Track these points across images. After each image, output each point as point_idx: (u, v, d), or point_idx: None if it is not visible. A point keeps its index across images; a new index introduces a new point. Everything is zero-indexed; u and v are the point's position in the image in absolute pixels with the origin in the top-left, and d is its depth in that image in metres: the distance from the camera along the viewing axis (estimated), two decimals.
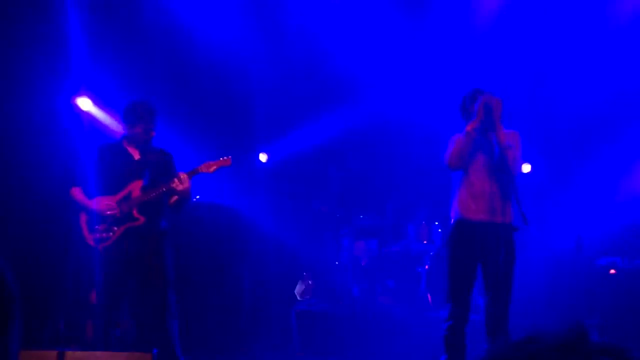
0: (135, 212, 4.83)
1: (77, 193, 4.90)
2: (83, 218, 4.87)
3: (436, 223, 7.25)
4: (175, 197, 4.92)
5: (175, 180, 4.77)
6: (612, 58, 7.38)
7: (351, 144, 8.17)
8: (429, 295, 6.90)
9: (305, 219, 7.83)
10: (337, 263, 7.57)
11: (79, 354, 4.21)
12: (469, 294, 4.54)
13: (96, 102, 6.80)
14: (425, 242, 7.26)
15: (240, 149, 7.69)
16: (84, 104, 6.70)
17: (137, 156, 4.96)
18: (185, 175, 4.79)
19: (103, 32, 6.76)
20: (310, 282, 6.35)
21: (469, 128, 4.42)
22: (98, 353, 4.39)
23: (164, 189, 4.84)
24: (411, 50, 7.79)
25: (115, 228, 4.83)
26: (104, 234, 4.82)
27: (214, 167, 4.92)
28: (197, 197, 6.80)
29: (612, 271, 6.21)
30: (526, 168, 7.06)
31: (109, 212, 4.82)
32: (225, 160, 4.97)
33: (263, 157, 7.75)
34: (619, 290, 6.14)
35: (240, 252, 7.59)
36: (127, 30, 7.05)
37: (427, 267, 7.07)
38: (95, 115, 6.82)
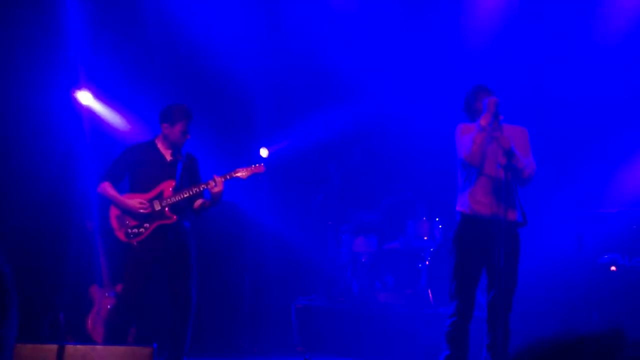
0: (167, 211, 5.00)
1: (107, 187, 5.03)
2: (113, 212, 5.02)
3: (437, 219, 7.23)
4: (200, 200, 5.13)
5: (211, 182, 4.99)
6: (611, 57, 7.36)
7: (352, 140, 8.16)
8: (429, 292, 6.89)
9: (305, 214, 7.82)
10: (336, 259, 7.57)
11: (79, 347, 4.21)
12: (474, 291, 4.52)
13: (97, 96, 6.78)
14: (425, 238, 7.25)
15: (241, 143, 7.68)
16: (84, 97, 6.68)
17: (169, 157, 5.14)
18: (220, 179, 4.98)
19: (104, 25, 6.74)
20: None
21: (483, 122, 4.37)
22: (98, 347, 4.40)
23: (198, 190, 5.06)
24: (410, 46, 7.76)
25: (147, 225, 5.01)
26: (136, 230, 4.95)
27: (248, 173, 5.12)
28: None
29: (613, 268, 6.20)
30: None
31: (141, 210, 4.95)
32: (258, 167, 5.17)
33: (264, 152, 7.74)
34: (619, 288, 6.13)
35: (240, 246, 7.59)
36: (128, 23, 7.03)
37: (427, 263, 7.06)
38: (96, 110, 6.81)
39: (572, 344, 0.85)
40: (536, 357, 0.86)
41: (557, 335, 0.89)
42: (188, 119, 5.07)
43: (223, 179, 5.00)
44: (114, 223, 5.05)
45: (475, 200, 4.48)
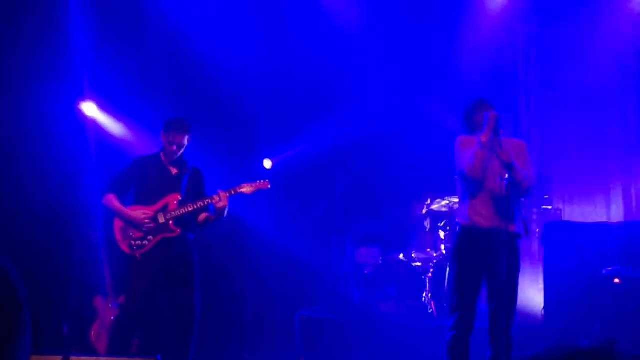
0: (171, 224, 5.04)
1: (112, 199, 5.06)
2: (117, 224, 5.04)
3: (439, 230, 7.23)
4: (205, 214, 5.15)
5: (215, 197, 5.02)
6: (609, 63, 7.39)
7: (354, 151, 8.17)
8: (432, 303, 6.89)
9: (308, 225, 7.83)
10: (339, 270, 7.57)
11: (83, 359, 4.23)
12: (475, 303, 4.51)
13: (101, 107, 6.81)
14: (428, 249, 7.25)
15: (245, 154, 7.70)
16: (89, 109, 6.71)
17: (174, 171, 5.19)
18: (224, 194, 5.01)
19: (108, 36, 6.77)
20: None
21: (483, 139, 4.39)
22: (102, 358, 4.42)
23: (202, 204, 5.08)
24: (412, 56, 7.80)
25: (151, 237, 5.04)
26: (139, 242, 4.95)
27: (253, 189, 5.16)
28: None
29: (617, 281, 6.19)
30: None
31: (146, 222, 4.97)
32: (263, 183, 5.21)
33: (267, 163, 7.76)
34: (623, 300, 6.12)
35: (243, 258, 7.60)
36: (133, 35, 7.07)
37: (429, 274, 7.06)
38: (100, 121, 6.83)
39: (565, 358, 0.88)
40: None
41: (550, 350, 0.92)
42: (179, 131, 5.11)
43: (227, 194, 5.03)
44: (118, 235, 5.08)
45: (477, 212, 4.49)
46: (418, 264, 7.14)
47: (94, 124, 6.77)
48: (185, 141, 5.15)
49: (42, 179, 6.39)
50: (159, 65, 7.24)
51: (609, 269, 6.26)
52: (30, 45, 6.39)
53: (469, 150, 4.46)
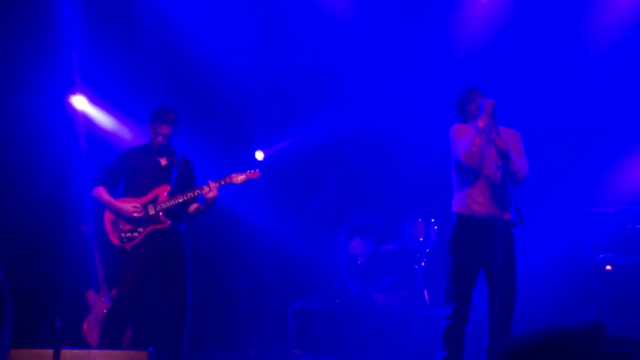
0: (161, 216, 5.01)
1: (101, 192, 5.03)
2: (107, 217, 5.02)
3: (432, 220, 7.23)
4: (195, 205, 5.14)
5: (205, 187, 5.01)
6: (605, 56, 7.39)
7: (347, 142, 8.16)
8: (425, 293, 6.90)
9: (302, 216, 7.82)
10: (333, 261, 7.57)
11: (74, 352, 4.22)
12: (471, 292, 4.50)
13: (92, 100, 6.77)
14: (421, 239, 7.25)
15: (237, 145, 7.68)
16: (79, 102, 6.67)
17: (164, 162, 5.15)
18: (214, 184, 5.00)
19: (99, 29, 6.74)
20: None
21: (481, 124, 4.37)
22: (94, 351, 4.40)
23: (192, 195, 5.06)
24: (406, 50, 7.79)
25: (141, 229, 5.02)
26: (129, 234, 4.94)
27: (242, 179, 5.13)
28: None
29: (608, 267, 6.21)
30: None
31: (135, 214, 4.94)
32: (253, 172, 5.18)
33: (259, 155, 7.74)
34: (615, 287, 6.15)
35: (236, 249, 7.59)
36: (124, 27, 7.03)
37: (423, 264, 7.07)
38: (91, 114, 6.80)
39: (553, 339, 0.86)
40: (517, 354, 0.87)
41: (538, 331, 0.91)
42: (165, 122, 5.07)
43: (217, 185, 5.02)
44: (108, 227, 5.06)
45: (474, 200, 4.47)
46: (411, 253, 7.14)
47: (84, 117, 6.73)
48: (172, 131, 5.10)
49: (32, 173, 6.37)
50: (151, 57, 7.21)
51: (602, 256, 6.28)
52: (19, 37, 6.35)
53: (465, 138, 4.44)
